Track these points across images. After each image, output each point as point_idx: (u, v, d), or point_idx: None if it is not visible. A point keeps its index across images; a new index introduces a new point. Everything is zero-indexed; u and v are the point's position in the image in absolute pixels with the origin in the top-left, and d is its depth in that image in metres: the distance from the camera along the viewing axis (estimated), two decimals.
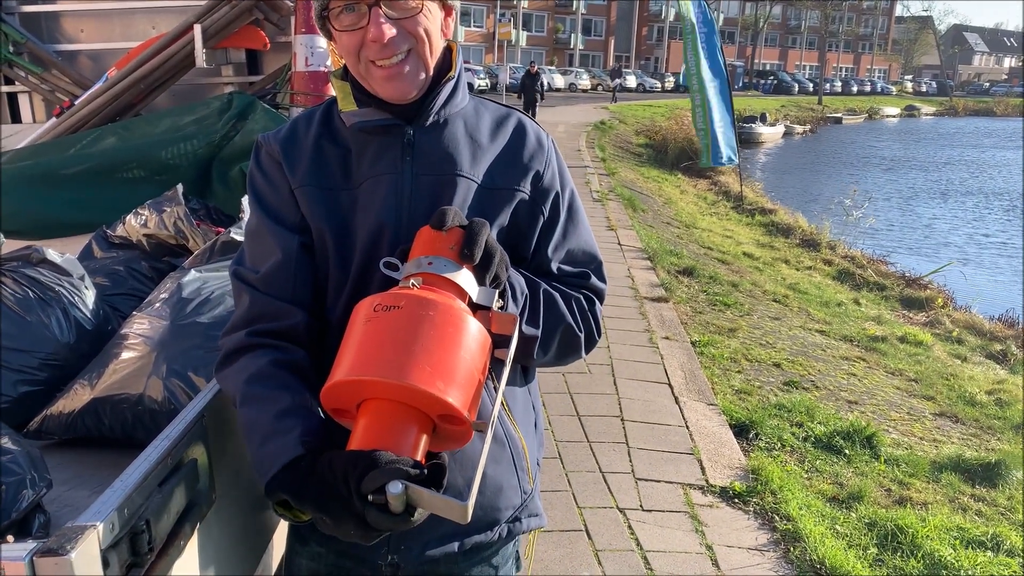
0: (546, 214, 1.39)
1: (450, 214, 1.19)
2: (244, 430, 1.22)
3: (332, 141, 1.37)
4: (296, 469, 1.10)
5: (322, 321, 1.37)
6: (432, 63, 1.31)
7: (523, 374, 1.48)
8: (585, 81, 53.93)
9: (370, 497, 1.00)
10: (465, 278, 1.17)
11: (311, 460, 1.10)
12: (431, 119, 1.34)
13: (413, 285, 1.14)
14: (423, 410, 1.07)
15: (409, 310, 1.08)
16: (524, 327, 1.28)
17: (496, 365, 1.20)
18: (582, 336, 1.40)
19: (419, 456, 1.06)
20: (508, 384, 1.41)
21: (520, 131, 1.42)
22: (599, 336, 1.45)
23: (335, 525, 1.06)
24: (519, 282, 1.30)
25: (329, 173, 1.35)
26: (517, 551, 1.55)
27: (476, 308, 1.18)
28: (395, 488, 0.98)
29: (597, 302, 1.45)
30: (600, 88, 52.14)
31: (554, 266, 1.41)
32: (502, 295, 1.24)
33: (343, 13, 1.25)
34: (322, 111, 1.42)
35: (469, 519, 1.01)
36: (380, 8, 1.22)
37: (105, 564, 0.95)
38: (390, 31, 1.23)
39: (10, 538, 1.10)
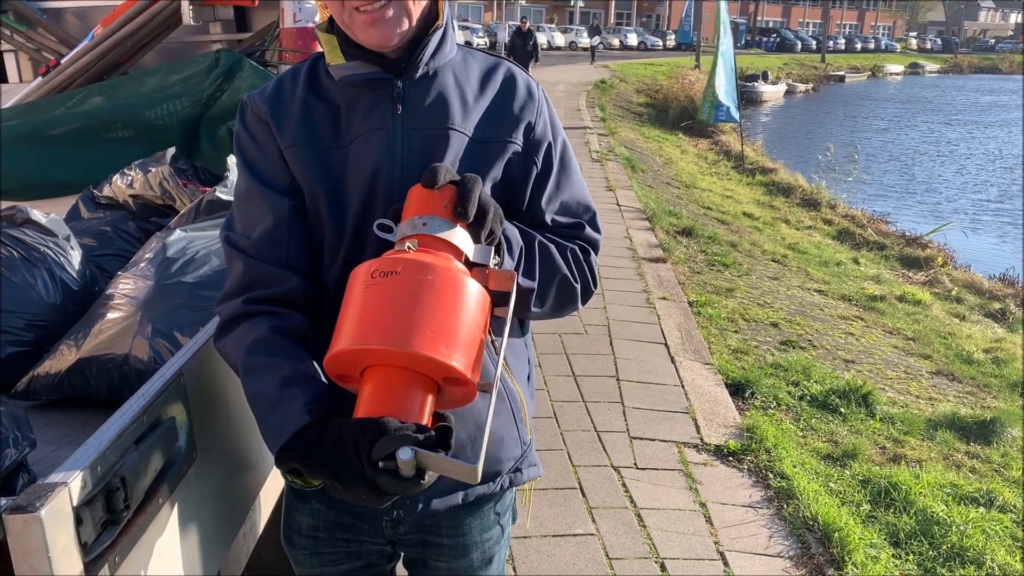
0: (539, 165, 1.38)
1: (441, 171, 1.17)
2: (249, 400, 1.22)
3: (320, 98, 1.34)
4: (305, 438, 1.11)
5: (319, 283, 1.36)
6: (416, 12, 1.28)
7: (519, 326, 1.48)
8: (585, 39, 53.27)
9: (381, 464, 1.02)
10: (460, 237, 1.16)
11: (319, 428, 1.11)
12: (420, 71, 1.31)
13: (409, 248, 1.12)
14: (427, 374, 1.07)
15: (407, 275, 1.07)
16: (520, 280, 1.27)
17: (496, 322, 1.21)
18: (578, 287, 1.40)
19: (425, 419, 1.07)
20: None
21: (510, 81, 1.39)
22: (595, 287, 1.45)
23: (347, 491, 1.08)
24: (514, 235, 1.29)
25: (318, 131, 1.32)
26: (514, 501, 1.58)
27: (472, 266, 1.17)
28: (405, 454, 1.00)
29: (592, 252, 1.44)
30: (601, 46, 51.55)
31: (548, 217, 1.40)
32: (498, 250, 1.23)
33: None
34: (307, 68, 1.39)
35: (479, 479, 1.03)
36: None
37: (78, 521, 0.94)
38: None
39: None
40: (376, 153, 1.30)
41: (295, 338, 1.26)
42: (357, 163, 1.30)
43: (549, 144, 1.39)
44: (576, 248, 1.40)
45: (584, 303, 1.45)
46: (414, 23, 1.29)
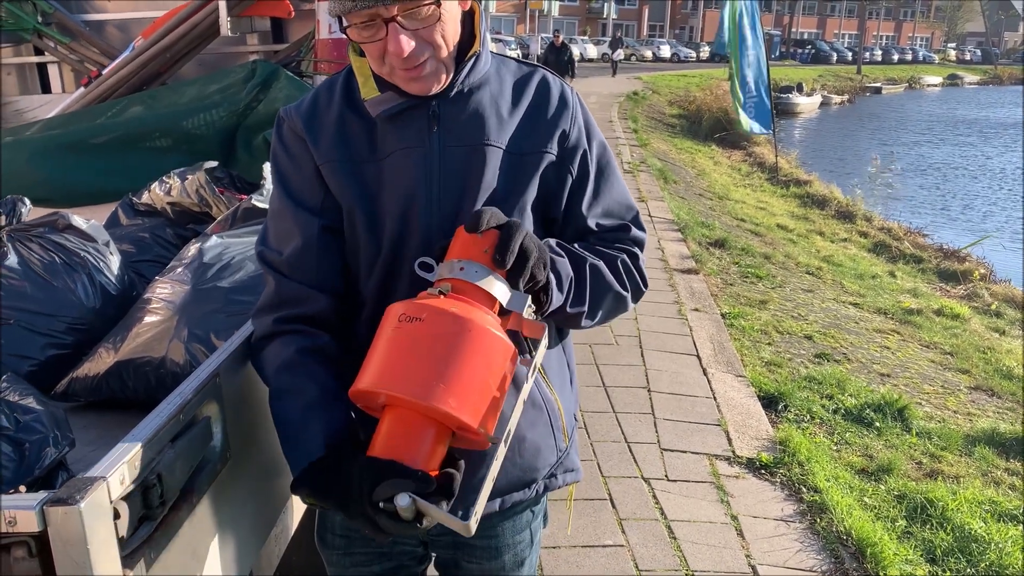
0: (574, 173, 1.38)
1: (486, 216, 1.17)
2: (276, 424, 1.28)
3: (356, 112, 1.35)
4: (319, 470, 1.16)
5: (352, 299, 1.37)
6: (452, 56, 1.29)
7: (558, 333, 1.48)
8: (619, 52, 53.26)
9: (381, 504, 1.07)
10: (495, 284, 1.17)
11: (332, 460, 1.16)
12: (455, 90, 1.31)
13: (440, 293, 1.14)
14: (441, 422, 1.10)
15: (430, 324, 1.09)
16: (569, 308, 1.29)
17: (534, 344, 1.23)
18: (628, 295, 1.41)
19: (434, 464, 1.11)
20: (546, 350, 1.43)
21: (543, 90, 1.39)
22: (646, 288, 1.46)
23: (352, 523, 1.13)
24: (564, 268, 1.29)
25: (354, 146, 1.33)
26: (546, 506, 1.59)
27: (508, 313, 1.19)
28: (403, 501, 1.05)
29: (640, 255, 1.45)
30: (633, 58, 51.45)
31: (592, 222, 1.41)
32: (543, 290, 1.23)
33: (361, 29, 1.22)
34: (343, 81, 1.39)
35: (473, 533, 1.09)
36: (396, 22, 1.19)
37: (116, 515, 0.96)
38: (409, 44, 1.21)
39: (22, 488, 1.12)
40: (413, 169, 1.30)
41: (322, 359, 1.29)
42: (393, 179, 1.31)
43: (584, 151, 1.39)
44: (625, 257, 1.41)
45: (636, 303, 1.47)
46: (451, 70, 1.29)
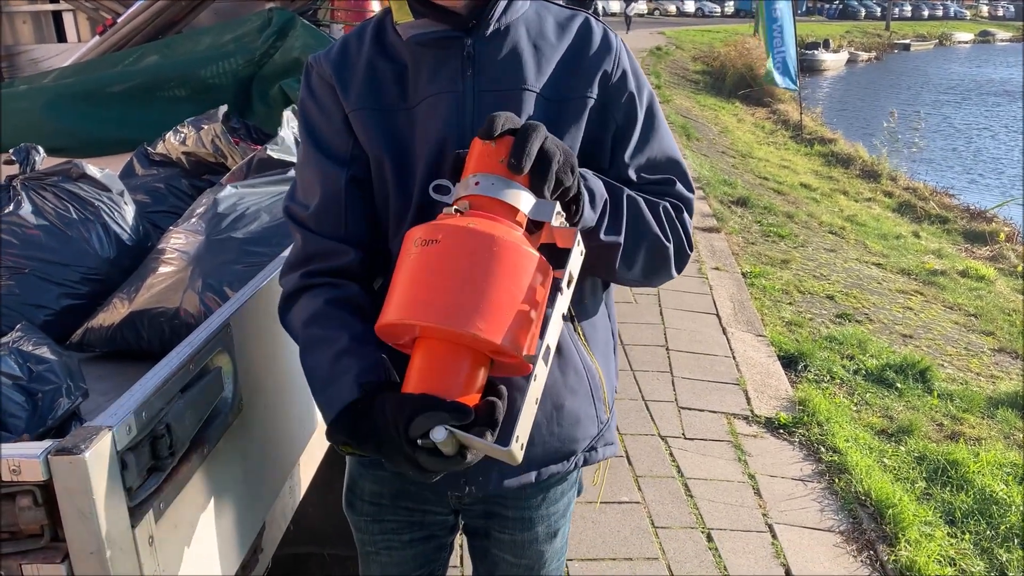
0: (619, 119, 1.29)
1: (499, 121, 1.07)
2: (307, 375, 1.22)
3: (386, 58, 1.28)
4: (353, 412, 1.11)
5: (381, 253, 1.32)
6: None
7: (597, 293, 1.40)
8: (641, 5, 52.36)
9: (419, 441, 1.00)
10: (516, 194, 1.07)
11: (368, 402, 1.10)
12: (491, 28, 1.24)
13: (458, 212, 1.06)
14: (474, 347, 1.03)
15: (447, 244, 1.01)
16: (603, 235, 1.19)
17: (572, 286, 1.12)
18: (671, 247, 1.29)
19: (473, 393, 1.04)
20: (588, 316, 1.36)
21: (585, 32, 1.31)
22: (691, 250, 1.35)
23: (394, 466, 1.07)
24: (597, 186, 1.20)
25: (384, 92, 1.26)
26: (580, 475, 1.53)
27: (537, 225, 1.10)
28: (439, 435, 0.98)
29: (685, 211, 1.34)
30: (657, 12, 50.61)
31: (632, 173, 1.30)
32: (573, 202, 1.13)
33: None
34: (373, 26, 1.33)
35: (519, 460, 1.01)
36: None
37: (123, 466, 0.94)
38: None
39: (26, 436, 1.10)
40: (445, 117, 1.23)
41: (351, 307, 1.24)
42: (424, 127, 1.24)
43: (630, 95, 1.30)
44: (668, 205, 1.30)
45: (679, 270, 1.35)
46: None
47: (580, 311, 1.35)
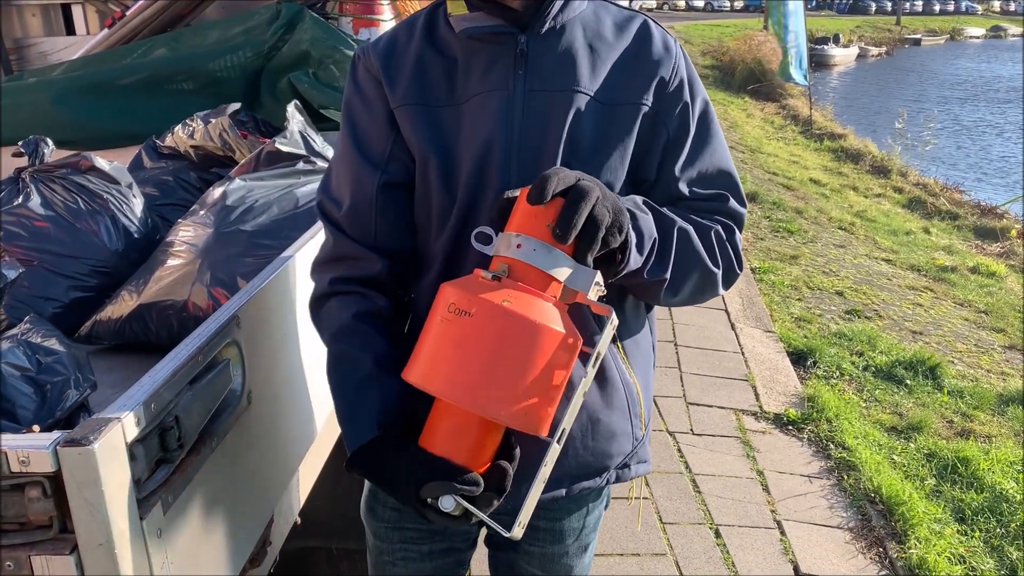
0: (671, 129, 1.25)
1: (551, 184, 1.01)
2: (332, 393, 1.25)
3: (436, 51, 1.25)
4: (371, 452, 1.14)
5: (420, 258, 1.31)
6: None
7: (646, 310, 1.38)
8: (638, 1, 52.17)
9: (428, 500, 1.06)
10: (557, 264, 1.04)
11: (383, 445, 1.13)
12: (547, 25, 1.20)
13: (495, 278, 1.03)
14: (492, 421, 1.06)
15: (479, 321, 1.00)
16: (647, 275, 1.16)
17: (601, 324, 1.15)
18: (719, 272, 1.26)
19: (486, 457, 1.08)
20: (631, 333, 1.34)
21: (644, 35, 1.27)
22: (740, 270, 1.31)
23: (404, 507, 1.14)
24: (647, 225, 1.15)
25: (432, 87, 1.23)
26: (610, 490, 1.51)
27: (572, 293, 1.08)
28: (447, 503, 1.04)
29: (737, 231, 1.30)
30: (666, 7, 50.43)
31: (684, 188, 1.26)
32: (620, 250, 1.09)
33: None
34: (426, 16, 1.29)
35: (520, 538, 1.08)
36: None
37: (131, 457, 0.94)
38: None
39: (35, 427, 1.10)
40: (493, 116, 1.20)
41: (379, 323, 1.25)
42: (472, 126, 1.21)
43: (685, 104, 1.26)
44: (720, 228, 1.27)
45: (727, 288, 1.32)
46: None
47: (622, 328, 1.32)
